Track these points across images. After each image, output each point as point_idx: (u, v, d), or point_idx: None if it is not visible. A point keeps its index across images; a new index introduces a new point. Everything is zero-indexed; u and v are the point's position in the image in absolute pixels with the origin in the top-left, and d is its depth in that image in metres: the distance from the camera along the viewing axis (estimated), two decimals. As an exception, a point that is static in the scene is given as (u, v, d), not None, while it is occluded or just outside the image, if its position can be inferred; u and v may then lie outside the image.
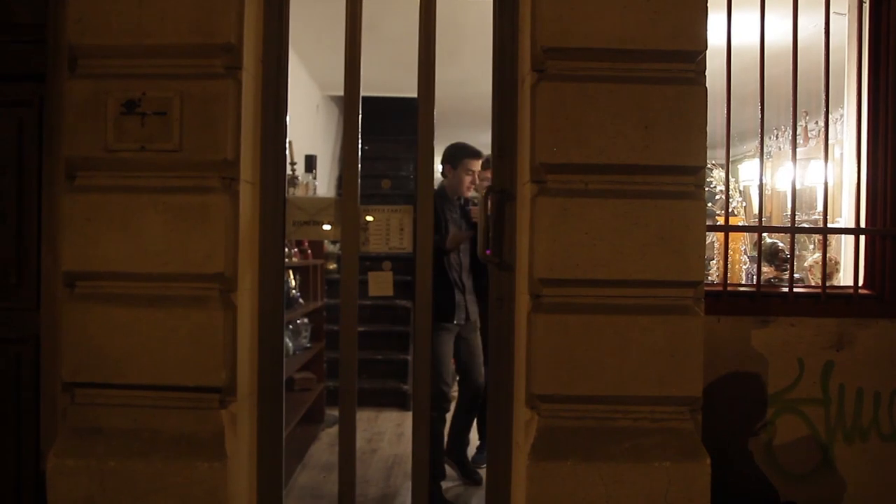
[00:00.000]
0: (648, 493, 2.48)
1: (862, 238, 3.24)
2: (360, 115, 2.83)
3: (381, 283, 2.98)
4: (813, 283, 3.71)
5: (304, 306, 5.37)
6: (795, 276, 3.31)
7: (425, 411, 2.86)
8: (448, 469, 4.25)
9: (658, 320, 2.53)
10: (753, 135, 3.53)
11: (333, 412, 4.75)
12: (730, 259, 3.37)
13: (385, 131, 7.88)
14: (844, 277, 3.48)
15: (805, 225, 4.91)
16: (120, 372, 2.51)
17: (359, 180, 2.92)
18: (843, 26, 3.42)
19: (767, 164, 6.09)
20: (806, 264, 4.15)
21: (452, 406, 4.29)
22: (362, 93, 2.84)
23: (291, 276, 5.22)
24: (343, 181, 3.03)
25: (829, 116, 3.32)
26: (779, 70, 3.27)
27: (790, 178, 3.46)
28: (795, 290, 3.21)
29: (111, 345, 2.50)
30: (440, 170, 4.42)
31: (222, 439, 2.50)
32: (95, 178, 2.54)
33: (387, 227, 2.99)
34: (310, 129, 6.87)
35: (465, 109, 7.94)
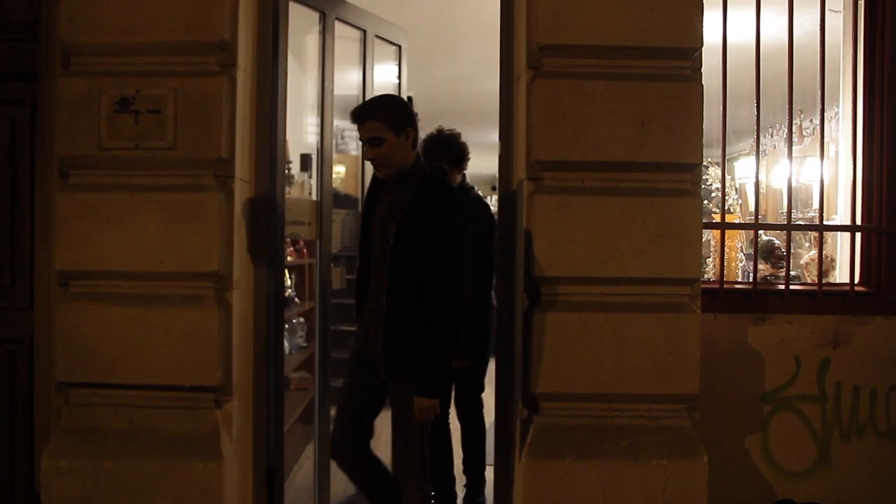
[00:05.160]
0: (646, 491, 2.48)
1: (858, 235, 3.25)
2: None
3: (335, 278, 3.42)
4: (809, 281, 3.72)
5: (300, 306, 5.35)
6: (791, 273, 3.31)
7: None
8: None
9: (655, 318, 2.53)
10: (749, 132, 3.54)
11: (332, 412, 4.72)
12: (726, 257, 3.38)
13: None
14: (840, 275, 3.48)
15: (801, 222, 4.92)
16: (114, 371, 2.49)
17: (332, 180, 3.20)
18: (838, 24, 3.43)
19: (763, 162, 6.11)
20: (802, 262, 4.16)
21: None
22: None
23: (287, 276, 5.19)
24: (317, 183, 3.29)
25: (825, 114, 3.32)
26: (774, 68, 3.27)
27: (786, 176, 3.47)
28: (792, 287, 3.21)
29: (106, 344, 2.49)
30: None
31: (218, 439, 2.49)
32: (89, 177, 2.53)
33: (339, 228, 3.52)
34: (305, 129, 6.85)
35: (459, 108, 7.95)
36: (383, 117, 2.44)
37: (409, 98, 4.67)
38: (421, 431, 2.53)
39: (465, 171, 3.58)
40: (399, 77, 3.91)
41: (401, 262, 2.45)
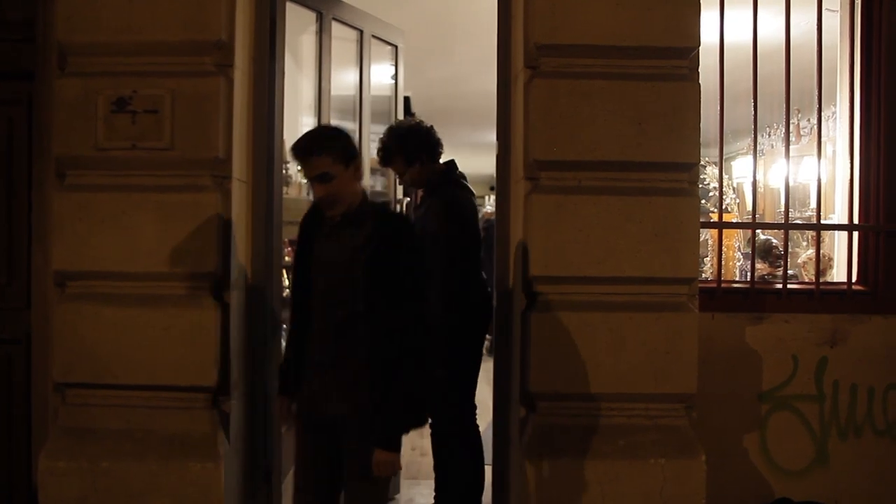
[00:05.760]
0: (644, 491, 2.48)
1: (855, 234, 3.25)
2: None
3: None
4: (807, 280, 3.72)
5: (298, 306, 5.34)
6: (789, 272, 3.31)
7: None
8: None
9: (652, 317, 2.53)
10: (746, 132, 3.54)
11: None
12: (724, 256, 3.38)
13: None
14: (838, 273, 3.48)
15: (798, 221, 4.93)
16: (112, 372, 2.49)
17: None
18: (835, 24, 3.43)
19: (760, 162, 6.11)
20: (799, 261, 4.16)
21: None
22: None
23: (285, 276, 5.18)
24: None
25: (822, 113, 3.32)
26: (771, 67, 3.27)
27: (783, 175, 3.47)
28: (789, 286, 3.22)
29: (103, 345, 2.48)
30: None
31: (215, 439, 2.49)
32: (86, 177, 2.53)
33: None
34: (303, 128, 6.85)
35: (456, 107, 7.94)
36: (331, 150, 2.16)
37: (407, 98, 4.61)
38: (385, 487, 2.25)
39: (454, 160, 3.31)
40: (395, 77, 3.90)
41: (378, 307, 2.15)
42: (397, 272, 2.16)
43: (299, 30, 3.37)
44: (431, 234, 3.03)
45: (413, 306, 2.18)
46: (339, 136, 2.24)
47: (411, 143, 3.15)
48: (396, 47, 3.86)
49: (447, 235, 3.06)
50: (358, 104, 3.63)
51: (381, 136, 3.22)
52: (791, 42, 3.18)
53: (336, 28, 3.39)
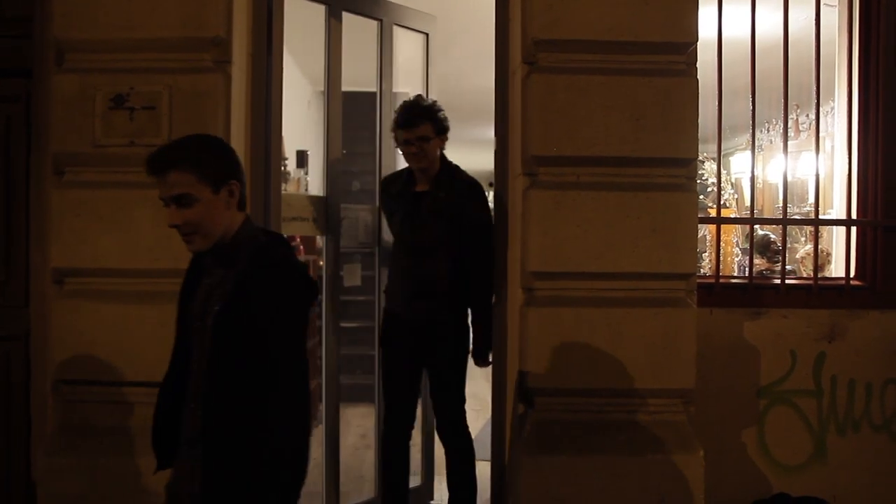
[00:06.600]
0: (643, 486, 2.49)
1: (853, 229, 3.25)
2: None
3: (351, 275, 3.34)
4: (805, 275, 3.72)
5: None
6: (787, 267, 3.31)
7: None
8: None
9: (651, 313, 2.53)
10: (745, 127, 3.53)
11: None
12: (722, 251, 3.38)
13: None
14: (836, 269, 3.48)
15: (797, 217, 4.92)
16: (111, 369, 2.49)
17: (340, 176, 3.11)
18: (833, 18, 3.42)
19: (759, 157, 6.11)
20: (798, 256, 4.16)
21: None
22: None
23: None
24: (326, 180, 3.18)
25: (820, 109, 3.32)
26: (770, 62, 3.27)
27: (781, 171, 3.47)
28: (787, 281, 3.22)
29: (101, 342, 2.49)
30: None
31: (214, 436, 2.49)
32: (84, 174, 2.52)
33: (355, 224, 3.30)
34: (301, 125, 6.85)
35: (456, 104, 7.92)
36: (193, 166, 1.63)
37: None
38: None
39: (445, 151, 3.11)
40: (427, 67, 3.55)
41: (223, 373, 1.65)
42: (261, 340, 1.61)
43: (312, 23, 3.23)
44: (481, 222, 2.95)
45: (282, 394, 1.61)
46: (207, 147, 1.72)
47: (441, 114, 3.03)
48: (427, 35, 3.51)
49: (492, 225, 2.95)
50: (378, 101, 3.35)
51: (407, 100, 3.07)
52: (789, 37, 3.18)
53: (351, 19, 3.17)
